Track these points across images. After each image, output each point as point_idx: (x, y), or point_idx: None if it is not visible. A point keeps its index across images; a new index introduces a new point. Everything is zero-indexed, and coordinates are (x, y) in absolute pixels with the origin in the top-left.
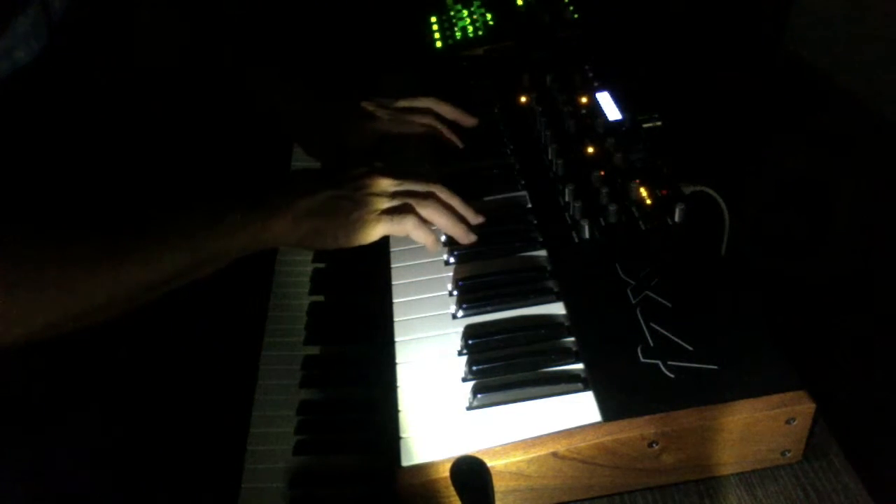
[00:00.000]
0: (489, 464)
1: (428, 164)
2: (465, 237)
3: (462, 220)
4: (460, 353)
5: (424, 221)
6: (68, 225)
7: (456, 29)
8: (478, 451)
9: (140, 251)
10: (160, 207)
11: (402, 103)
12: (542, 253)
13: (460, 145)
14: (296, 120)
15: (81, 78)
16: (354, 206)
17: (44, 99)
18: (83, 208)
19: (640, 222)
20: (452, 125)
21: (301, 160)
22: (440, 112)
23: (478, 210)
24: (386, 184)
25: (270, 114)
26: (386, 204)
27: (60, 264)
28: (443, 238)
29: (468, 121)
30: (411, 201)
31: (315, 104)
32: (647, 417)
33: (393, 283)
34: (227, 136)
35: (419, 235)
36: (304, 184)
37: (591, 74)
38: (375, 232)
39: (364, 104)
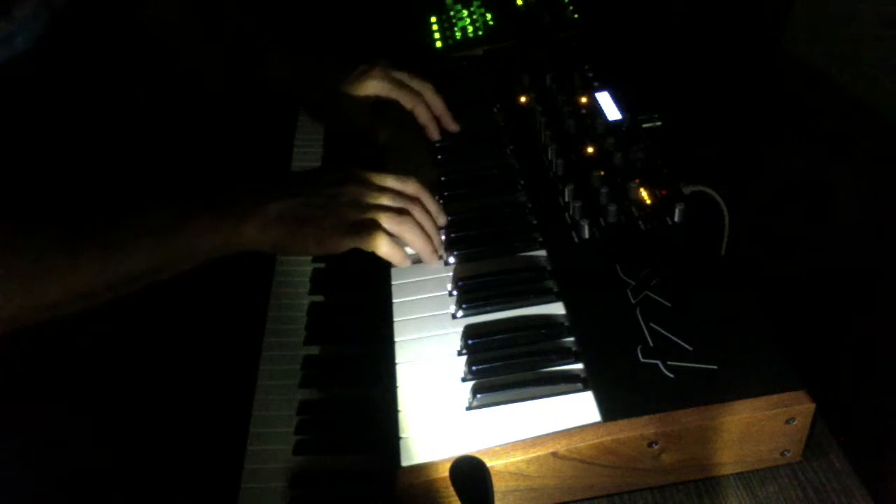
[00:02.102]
0: (489, 464)
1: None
2: (431, 258)
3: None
4: (460, 353)
5: (394, 237)
6: (29, 214)
7: (456, 29)
8: (477, 451)
9: (100, 246)
10: (128, 203)
11: (400, 75)
12: (542, 253)
13: (434, 137)
14: (300, 86)
15: (78, 67)
16: (326, 214)
17: (37, 86)
18: (54, 199)
19: (640, 222)
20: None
21: (300, 160)
22: (428, 100)
23: (478, 210)
24: (361, 193)
25: (274, 84)
26: (358, 216)
27: (13, 254)
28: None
29: (450, 124)
30: (383, 216)
31: (317, 69)
32: (646, 417)
33: (393, 283)
34: (226, 133)
35: (386, 253)
36: (278, 188)
37: (591, 74)
38: (343, 244)
39: (363, 66)
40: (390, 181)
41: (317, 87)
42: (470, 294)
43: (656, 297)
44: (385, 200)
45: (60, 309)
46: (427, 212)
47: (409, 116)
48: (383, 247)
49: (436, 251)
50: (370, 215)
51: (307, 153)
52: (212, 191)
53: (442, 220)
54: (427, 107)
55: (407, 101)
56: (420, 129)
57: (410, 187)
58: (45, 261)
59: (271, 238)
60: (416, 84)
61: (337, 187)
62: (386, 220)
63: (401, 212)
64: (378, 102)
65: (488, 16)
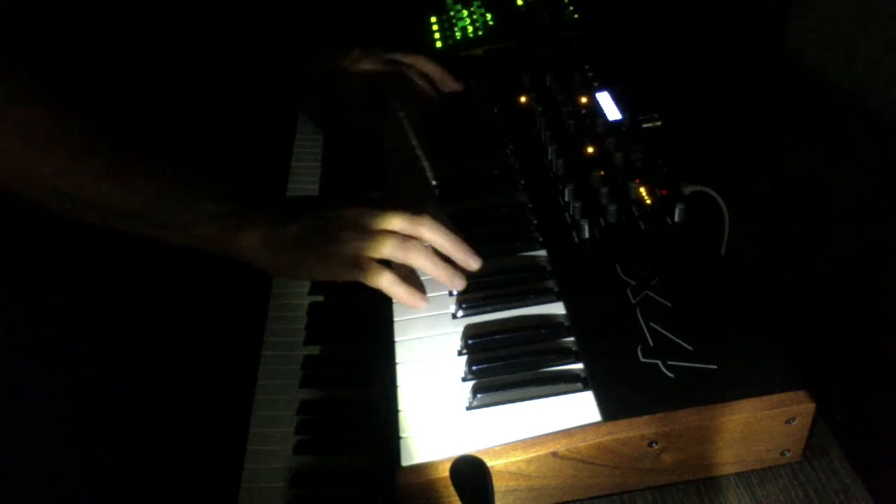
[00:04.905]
0: (489, 464)
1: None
2: (450, 280)
3: (450, 260)
4: (460, 353)
5: (403, 277)
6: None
7: (456, 29)
8: (478, 451)
9: (106, 161)
10: (146, 148)
11: (392, 54)
12: (542, 253)
13: (435, 97)
14: (302, 69)
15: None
16: (330, 243)
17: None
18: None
19: (640, 222)
20: (436, 84)
21: (300, 160)
22: (426, 70)
23: (478, 210)
24: (369, 220)
25: (281, 68)
26: (365, 250)
27: (41, 111)
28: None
29: (452, 84)
30: (391, 250)
31: (317, 50)
32: (647, 417)
33: None
34: (227, 133)
35: (395, 292)
36: (287, 210)
37: (591, 74)
38: (347, 276)
39: (356, 51)
40: (395, 206)
41: (317, 68)
42: (470, 294)
43: (656, 297)
44: (393, 226)
45: (37, 189)
46: (438, 233)
47: (409, 108)
48: (392, 286)
49: (454, 274)
50: (373, 251)
51: (307, 153)
52: (228, 182)
53: (475, 263)
54: (422, 73)
55: (401, 70)
56: (420, 120)
57: (420, 211)
58: (59, 136)
59: (271, 260)
60: (409, 58)
61: (342, 210)
62: (389, 246)
63: (406, 240)
64: (375, 93)
65: (488, 16)
